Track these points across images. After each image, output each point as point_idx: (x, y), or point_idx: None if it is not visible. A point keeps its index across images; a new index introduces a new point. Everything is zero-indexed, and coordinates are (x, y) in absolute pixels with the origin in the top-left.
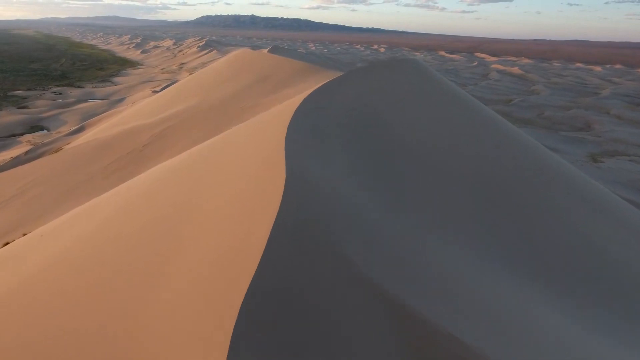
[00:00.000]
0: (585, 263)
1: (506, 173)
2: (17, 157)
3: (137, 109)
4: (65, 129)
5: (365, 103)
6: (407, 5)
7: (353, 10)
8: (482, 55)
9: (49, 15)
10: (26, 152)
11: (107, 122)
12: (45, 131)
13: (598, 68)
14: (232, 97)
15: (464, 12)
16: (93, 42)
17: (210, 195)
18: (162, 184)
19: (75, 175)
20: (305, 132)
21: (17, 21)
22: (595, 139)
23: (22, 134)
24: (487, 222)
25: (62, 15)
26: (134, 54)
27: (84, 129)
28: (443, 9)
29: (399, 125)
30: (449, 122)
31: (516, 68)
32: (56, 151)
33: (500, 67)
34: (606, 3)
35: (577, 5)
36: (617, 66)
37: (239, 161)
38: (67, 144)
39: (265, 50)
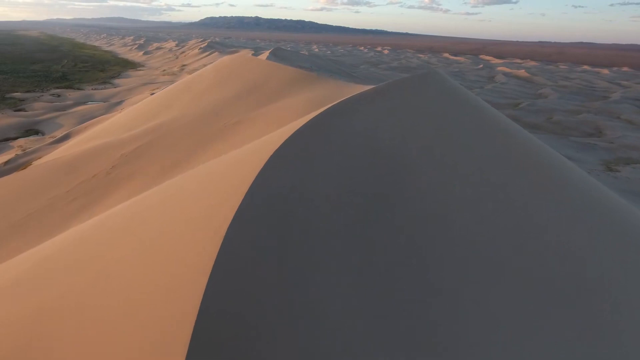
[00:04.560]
0: None
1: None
2: None
3: (116, 120)
4: (59, 133)
5: (368, 144)
6: (410, 7)
7: (357, 12)
8: (487, 57)
9: (55, 17)
10: (5, 163)
11: (89, 132)
12: (40, 135)
13: (605, 71)
14: (214, 111)
15: (467, 13)
16: (96, 44)
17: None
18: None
19: (32, 202)
20: (276, 189)
21: (23, 22)
22: (607, 145)
23: (16, 138)
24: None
25: (67, 16)
26: (136, 56)
27: (69, 137)
28: (447, 10)
29: (413, 171)
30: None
31: (522, 71)
32: (24, 167)
33: (507, 70)
34: (611, 5)
35: (582, 7)
36: (625, 69)
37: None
38: (39, 158)
39: (267, 53)
